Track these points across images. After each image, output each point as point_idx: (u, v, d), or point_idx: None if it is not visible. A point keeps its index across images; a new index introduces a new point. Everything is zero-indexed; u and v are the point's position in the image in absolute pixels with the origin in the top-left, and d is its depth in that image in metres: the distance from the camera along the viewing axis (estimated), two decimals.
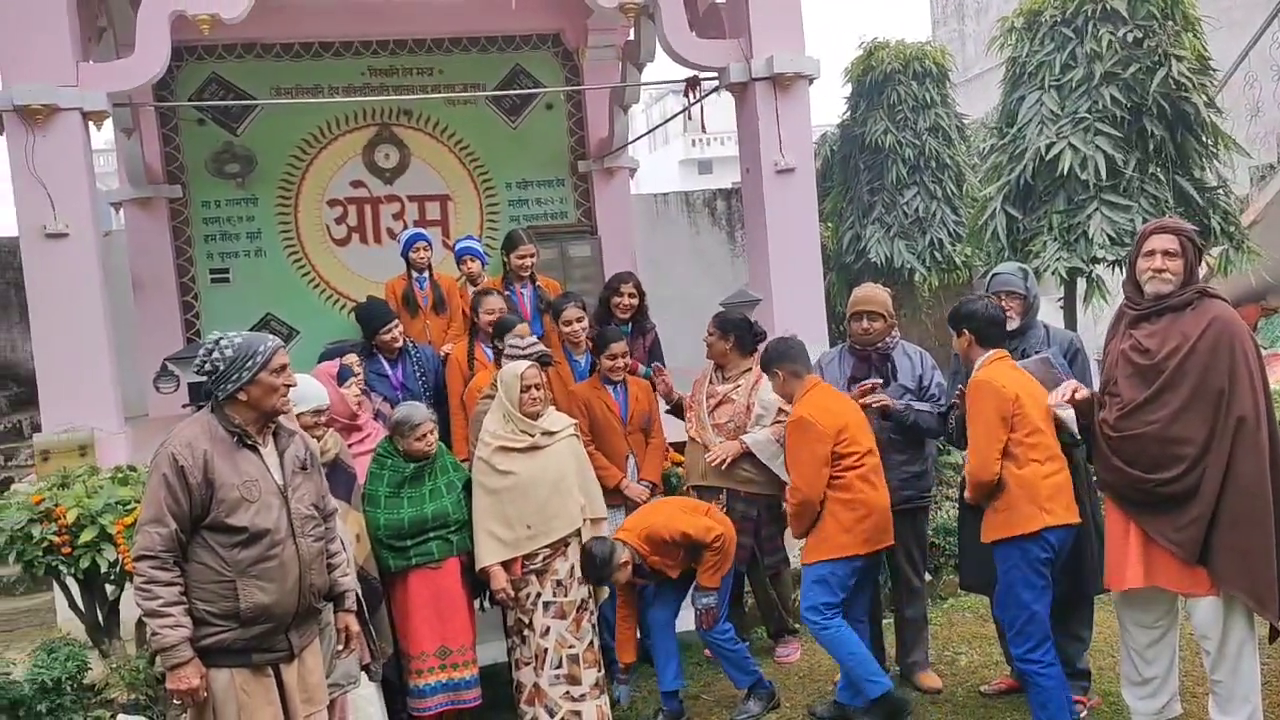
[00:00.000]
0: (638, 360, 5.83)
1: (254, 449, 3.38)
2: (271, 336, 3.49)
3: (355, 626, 3.72)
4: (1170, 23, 6.74)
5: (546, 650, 4.75)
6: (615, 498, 5.31)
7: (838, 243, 8.85)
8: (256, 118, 9.96)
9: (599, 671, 4.86)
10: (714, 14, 8.12)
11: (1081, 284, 6.99)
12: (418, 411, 4.76)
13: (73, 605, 5.35)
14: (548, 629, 4.75)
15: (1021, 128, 6.75)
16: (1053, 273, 6.63)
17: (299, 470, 3.47)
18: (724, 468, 5.21)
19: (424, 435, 4.67)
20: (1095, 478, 4.06)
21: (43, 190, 6.28)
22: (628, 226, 10.85)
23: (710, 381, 5.49)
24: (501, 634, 5.00)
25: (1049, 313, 6.37)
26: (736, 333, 5.43)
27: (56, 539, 4.96)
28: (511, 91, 10.31)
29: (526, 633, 4.78)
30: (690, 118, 8.41)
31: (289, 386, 3.40)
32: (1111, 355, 3.94)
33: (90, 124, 6.60)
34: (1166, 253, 3.81)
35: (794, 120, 7.43)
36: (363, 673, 4.07)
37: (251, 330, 9.24)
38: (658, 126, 9.88)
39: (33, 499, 5.09)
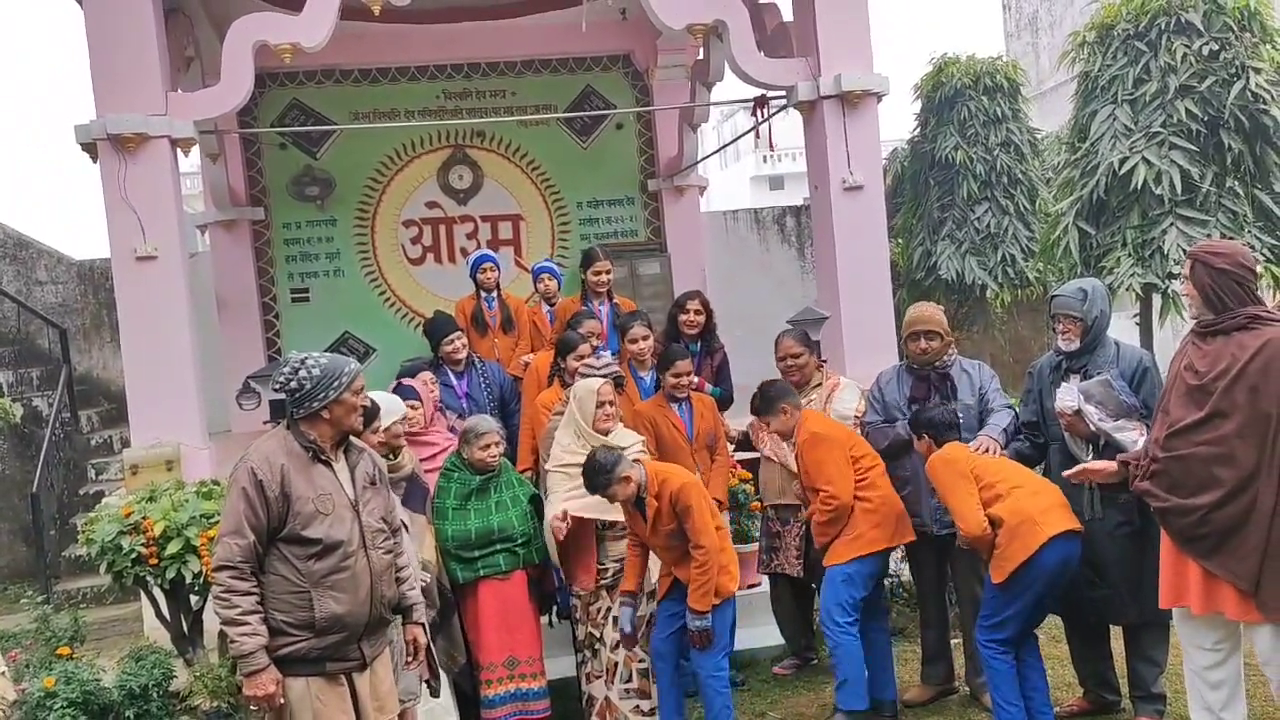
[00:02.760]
0: (704, 379, 5.88)
1: (328, 464, 3.50)
2: (352, 359, 3.62)
3: (423, 639, 3.81)
4: (1248, 34, 6.63)
5: (617, 664, 4.81)
6: None
7: (908, 259, 8.81)
8: (335, 142, 10.24)
9: (652, 700, 4.89)
10: (782, 33, 8.16)
11: (1157, 300, 6.88)
12: (485, 422, 4.88)
13: (159, 614, 5.54)
14: (618, 643, 4.80)
15: (1094, 142, 6.67)
16: (1127, 289, 6.54)
17: (369, 485, 3.59)
18: None
19: (488, 445, 4.77)
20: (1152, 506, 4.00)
21: (133, 215, 6.53)
22: (697, 244, 10.93)
23: None
24: (570, 649, 5.07)
25: (1125, 330, 6.29)
26: (814, 348, 5.49)
27: (144, 550, 5.15)
28: (583, 113, 10.47)
29: (598, 646, 4.85)
30: (759, 136, 8.43)
31: (364, 407, 3.51)
32: (1171, 373, 3.91)
33: (178, 150, 6.84)
34: (1186, 277, 3.79)
35: (862, 137, 7.44)
36: (424, 686, 4.14)
37: (329, 349, 9.54)
38: (726, 145, 9.93)
39: (122, 512, 5.29)
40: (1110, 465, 4.10)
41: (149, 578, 5.25)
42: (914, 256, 8.62)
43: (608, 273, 6.38)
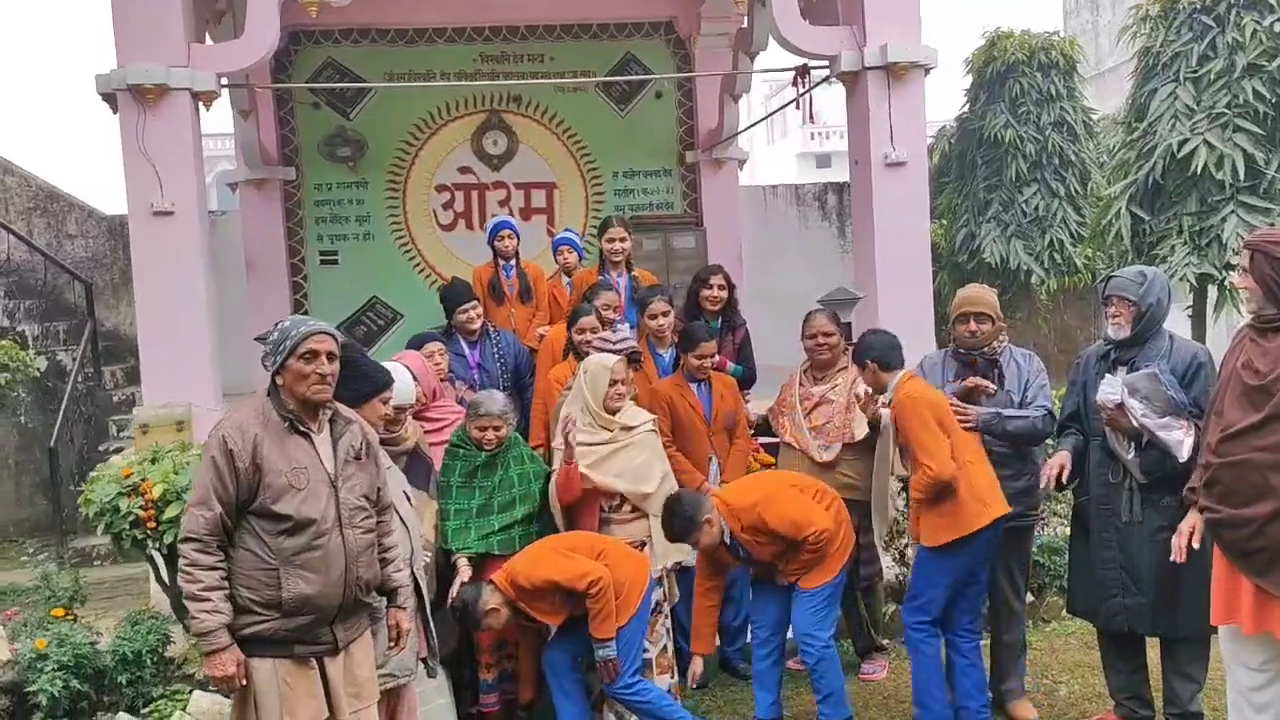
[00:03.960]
0: (726, 357, 5.63)
1: (306, 435, 3.29)
2: (315, 322, 3.37)
3: (406, 624, 3.61)
4: None
5: None
6: None
7: (950, 241, 8.48)
8: (369, 102, 10.04)
9: (672, 679, 4.70)
10: (829, 1, 7.83)
11: (1213, 292, 6.52)
12: (491, 401, 4.66)
13: (159, 578, 5.42)
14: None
15: (1152, 123, 6.31)
16: (1180, 279, 6.19)
17: (352, 460, 3.38)
18: None
19: (485, 429, 4.56)
20: (1184, 494, 3.71)
21: (151, 169, 6.37)
22: (734, 219, 10.64)
23: (802, 383, 5.27)
24: None
25: (1177, 323, 5.97)
26: (846, 329, 5.23)
27: (142, 513, 5.01)
28: (622, 77, 10.19)
29: None
30: (798, 108, 8.12)
31: (322, 375, 3.28)
32: (1225, 372, 3.60)
33: (200, 104, 6.67)
34: (1245, 269, 3.47)
35: (907, 111, 7.11)
36: (420, 665, 3.96)
37: (356, 314, 9.37)
38: (766, 118, 9.65)
39: (122, 472, 5.16)
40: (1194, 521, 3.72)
41: (147, 541, 5.11)
42: (957, 238, 8.28)
43: (623, 240, 6.13)
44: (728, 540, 4.38)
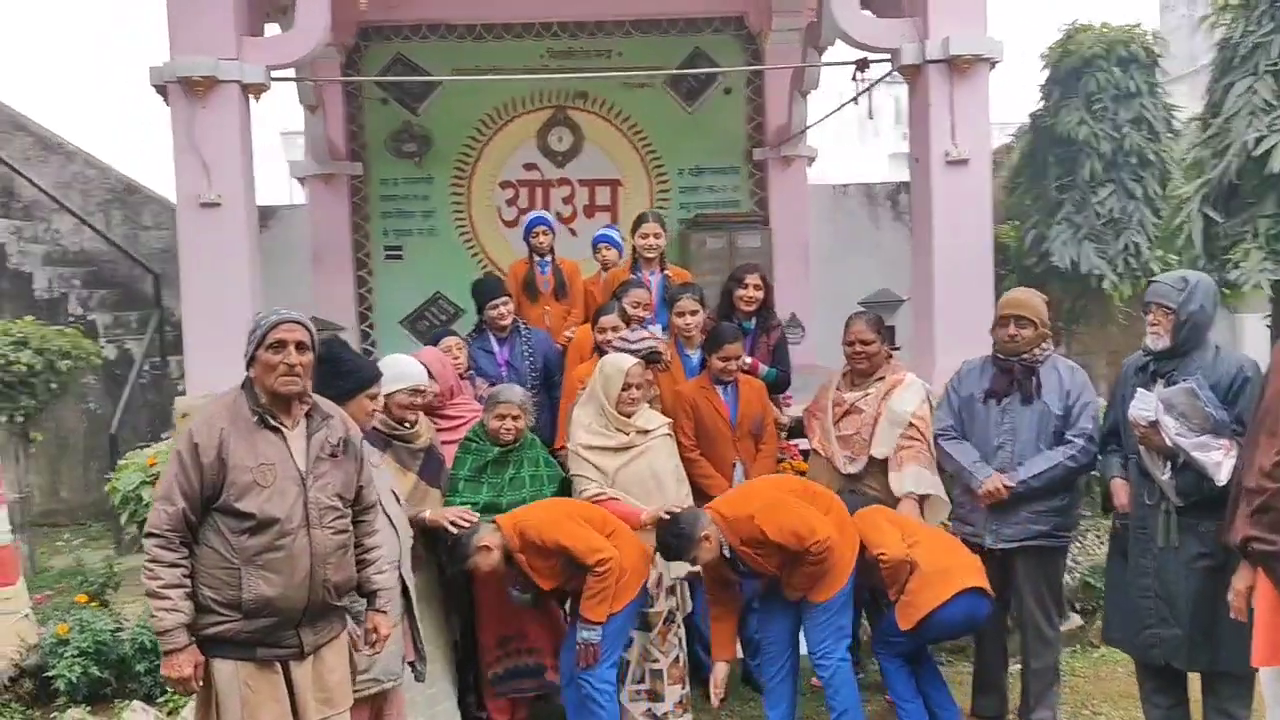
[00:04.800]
0: (759, 359, 5.43)
1: (278, 431, 3.21)
2: (286, 311, 3.29)
3: (385, 629, 3.50)
4: None
5: (629, 663, 4.46)
6: None
7: (1019, 243, 8.12)
8: (436, 98, 10.06)
9: (684, 689, 4.54)
10: None
11: None
12: (508, 391, 4.58)
13: None
14: (630, 640, 4.46)
15: (1229, 119, 5.90)
16: (1255, 286, 5.78)
17: (327, 457, 3.28)
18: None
19: (503, 416, 4.46)
20: (1239, 544, 3.40)
21: (199, 160, 6.42)
22: (802, 218, 10.39)
23: (838, 387, 5.05)
24: None
25: (1255, 334, 5.60)
26: (886, 336, 5.02)
27: None
28: (689, 70, 10.02)
29: None
30: (856, 103, 7.86)
31: (290, 366, 3.19)
32: (1275, 386, 3.29)
33: (250, 97, 6.70)
34: None
35: (971, 107, 6.80)
36: (409, 669, 3.87)
37: (419, 309, 9.37)
38: (828, 116, 9.34)
39: (148, 461, 5.19)
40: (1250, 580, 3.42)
41: None
42: (1026, 240, 7.91)
43: (656, 236, 5.97)
44: (727, 554, 4.20)
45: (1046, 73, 7.99)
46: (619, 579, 4.11)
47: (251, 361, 3.25)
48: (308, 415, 3.32)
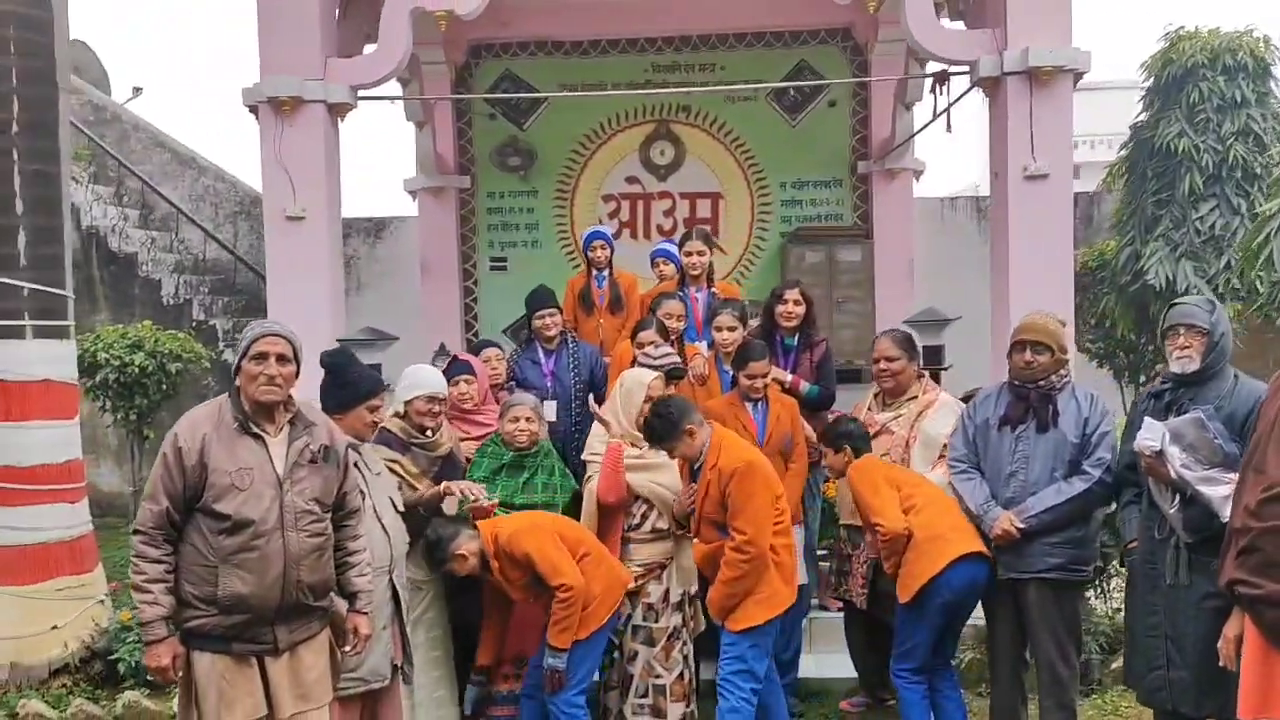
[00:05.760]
0: (801, 376, 5.37)
1: (259, 437, 3.38)
2: (270, 324, 3.47)
3: (365, 629, 3.64)
4: None
5: (632, 676, 4.49)
6: None
7: (1115, 260, 7.76)
8: (542, 113, 10.29)
9: (687, 706, 4.53)
10: (979, 3, 7.35)
11: None
12: (520, 398, 4.71)
13: None
14: (635, 654, 4.50)
15: None
16: None
17: (306, 463, 3.43)
18: None
19: (517, 419, 4.56)
20: (1226, 588, 3.19)
21: (285, 176, 6.76)
22: (906, 232, 10.18)
23: (870, 408, 4.96)
24: None
25: None
26: (917, 355, 4.91)
27: None
28: (789, 83, 9.95)
29: (615, 655, 4.55)
30: (934, 115, 7.66)
31: (270, 377, 3.36)
32: (1265, 419, 3.09)
33: (336, 116, 7.02)
34: None
35: (1052, 120, 6.57)
36: (397, 671, 3.99)
37: (522, 318, 9.54)
38: (921, 129, 9.10)
39: None
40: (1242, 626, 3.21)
41: None
42: (1120, 257, 7.55)
43: (701, 254, 5.97)
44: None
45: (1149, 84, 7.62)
46: (585, 607, 4.14)
47: (237, 371, 3.43)
48: (291, 422, 3.49)
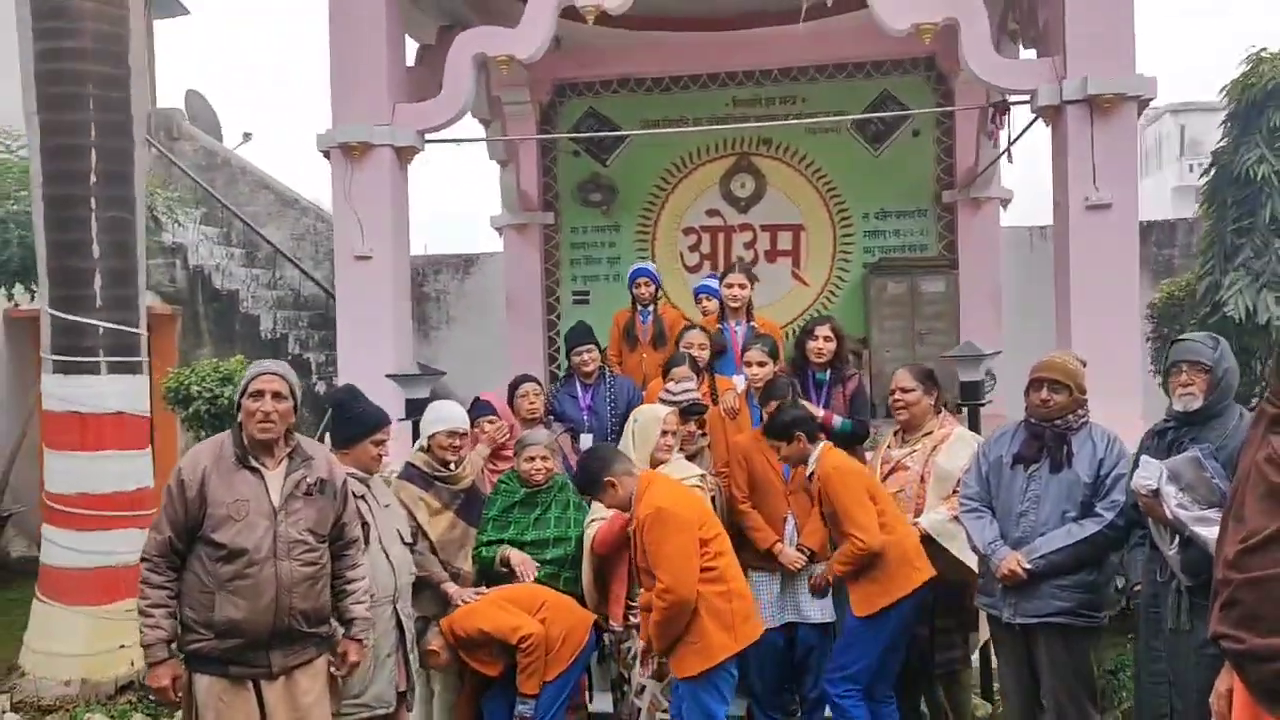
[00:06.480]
0: (834, 411, 5.34)
1: (256, 470, 3.56)
2: (268, 363, 3.66)
3: (354, 656, 3.77)
4: None
5: (640, 710, 4.52)
6: (769, 562, 4.91)
7: (1192, 290, 7.44)
8: (625, 149, 10.45)
9: None
10: (1043, 31, 7.21)
11: None
12: (535, 436, 4.80)
13: None
14: (643, 688, 4.53)
15: None
16: None
17: (302, 495, 3.60)
18: None
19: (532, 458, 4.66)
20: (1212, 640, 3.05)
21: (354, 217, 7.06)
22: (993, 262, 9.97)
23: (890, 444, 4.91)
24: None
25: None
26: (939, 389, 4.84)
27: None
28: (872, 115, 9.87)
29: (625, 688, 4.59)
30: (996, 145, 7.51)
31: (266, 414, 3.53)
32: (1243, 466, 2.96)
33: (402, 159, 7.29)
34: None
35: (1114, 149, 6.42)
36: (402, 699, 4.12)
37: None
38: (994, 161, 8.90)
39: None
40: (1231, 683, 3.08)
41: None
42: (1200, 287, 7.24)
43: (742, 287, 5.99)
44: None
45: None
46: (549, 650, 4.28)
47: (238, 408, 3.63)
48: (290, 456, 3.67)
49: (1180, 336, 3.81)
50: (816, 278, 10.31)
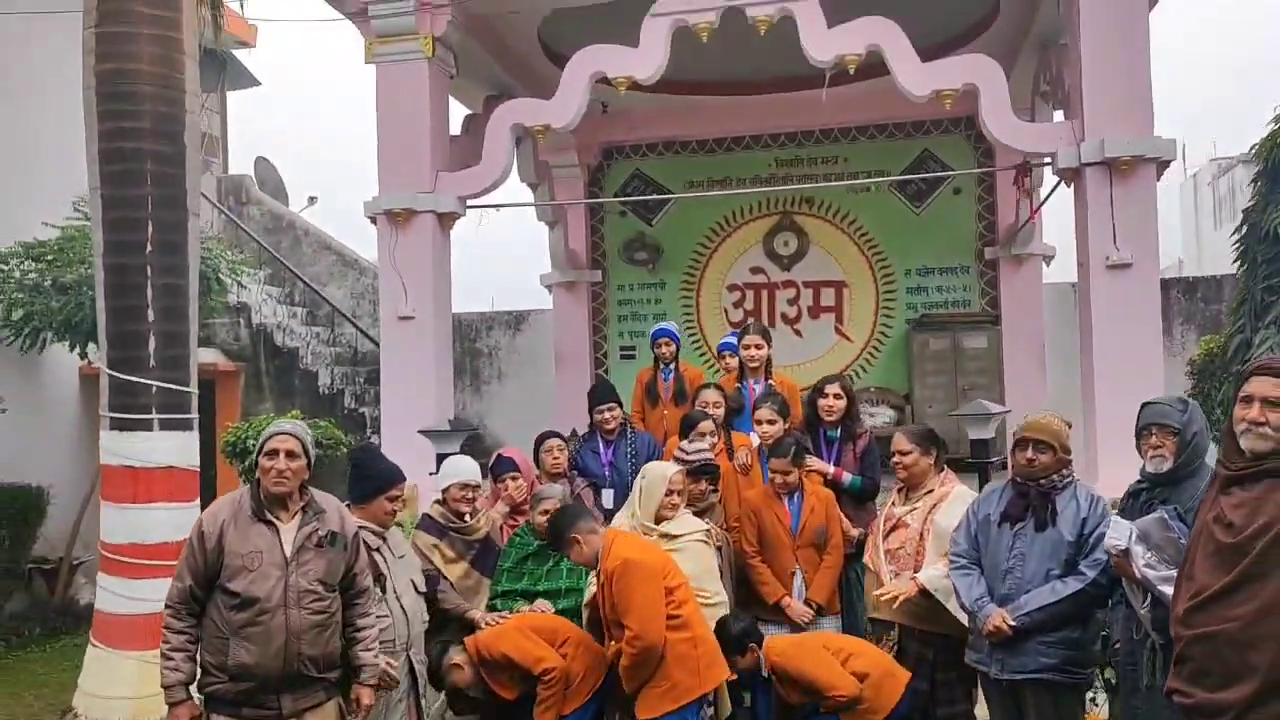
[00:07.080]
0: (844, 468, 5.47)
1: (271, 523, 3.82)
2: (282, 423, 3.93)
3: (366, 700, 3.97)
4: None
5: None
6: (777, 616, 5.04)
7: (1223, 348, 7.44)
8: (671, 209, 10.74)
9: None
10: (1067, 94, 7.33)
11: None
12: (550, 490, 5.00)
13: None
14: None
15: None
16: None
17: (313, 547, 3.84)
18: (895, 605, 4.71)
19: (547, 511, 4.85)
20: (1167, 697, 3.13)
21: (399, 279, 7.41)
22: (1035, 318, 10.02)
23: (893, 501, 5.02)
24: None
25: None
26: (940, 449, 4.95)
27: None
28: (914, 176, 10.02)
29: None
30: (1019, 202, 7.60)
31: (280, 471, 3.79)
32: (1196, 528, 3.06)
33: (442, 225, 7.63)
34: (1268, 400, 2.91)
35: (1134, 209, 6.50)
36: None
37: None
38: (1030, 217, 8.96)
39: None
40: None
41: None
42: (1231, 345, 7.23)
43: (759, 348, 6.14)
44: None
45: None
46: (568, 685, 4.39)
47: (255, 466, 3.91)
48: (304, 510, 3.92)
49: (1150, 400, 3.90)
50: (860, 333, 10.45)
